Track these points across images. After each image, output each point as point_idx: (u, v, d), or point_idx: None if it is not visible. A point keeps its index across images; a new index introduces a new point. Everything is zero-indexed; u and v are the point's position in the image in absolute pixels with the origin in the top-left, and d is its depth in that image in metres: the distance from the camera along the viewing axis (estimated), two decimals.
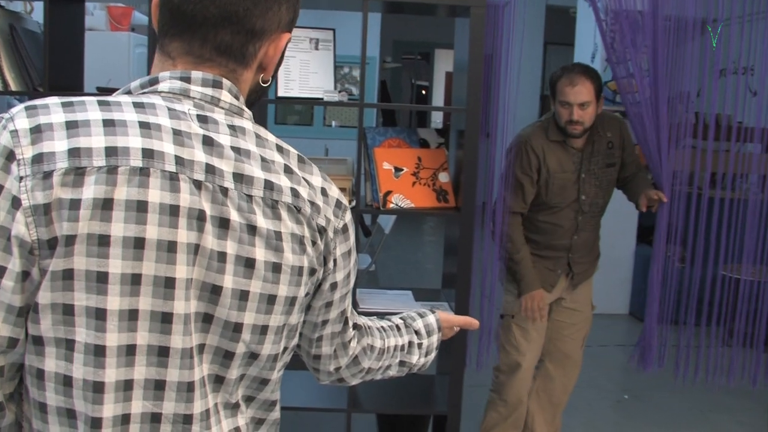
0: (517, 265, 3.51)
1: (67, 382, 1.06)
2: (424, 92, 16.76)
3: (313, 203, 1.21)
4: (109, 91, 3.53)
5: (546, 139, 3.47)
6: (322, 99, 3.14)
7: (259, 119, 1.28)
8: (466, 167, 3.08)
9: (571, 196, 3.48)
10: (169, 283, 1.08)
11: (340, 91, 3.19)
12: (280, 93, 3.08)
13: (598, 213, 3.60)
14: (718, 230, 3.73)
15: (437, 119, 15.64)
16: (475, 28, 3.02)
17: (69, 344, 1.05)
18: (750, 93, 3.92)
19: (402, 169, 3.18)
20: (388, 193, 3.13)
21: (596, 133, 3.48)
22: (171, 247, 1.07)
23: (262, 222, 1.14)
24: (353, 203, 3.05)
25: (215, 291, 1.12)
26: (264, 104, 3.25)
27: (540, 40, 9.90)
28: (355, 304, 2.94)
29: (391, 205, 3.13)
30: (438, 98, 16.67)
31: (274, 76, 1.29)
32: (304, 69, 3.13)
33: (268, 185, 1.16)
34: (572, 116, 3.35)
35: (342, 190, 1.16)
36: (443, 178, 3.24)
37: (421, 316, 1.68)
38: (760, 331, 3.86)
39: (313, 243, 1.22)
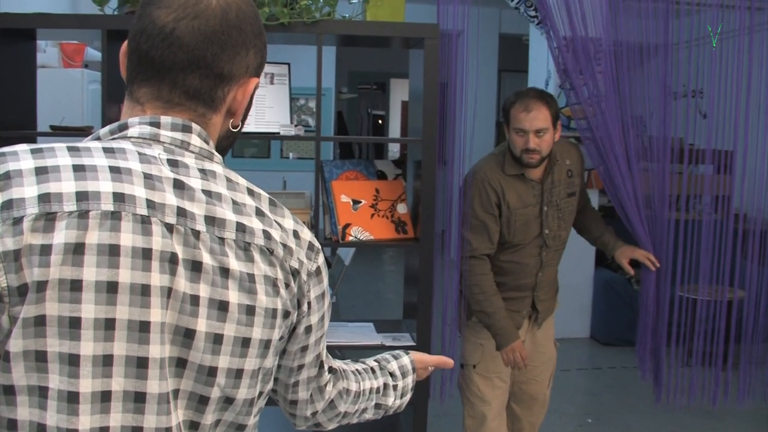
0: (491, 318, 3.18)
1: (41, 430, 1.03)
2: (380, 121, 16.84)
3: (285, 245, 1.21)
4: (63, 129, 3.47)
5: (502, 173, 3.19)
6: (278, 133, 3.14)
7: None
8: (423, 198, 3.10)
9: (534, 232, 3.23)
10: (144, 327, 1.06)
11: (296, 124, 3.19)
12: None
13: (562, 246, 3.37)
14: (674, 251, 3.77)
15: (394, 149, 15.73)
16: (429, 59, 3.05)
17: (42, 391, 1.03)
18: (700, 115, 4.00)
19: (360, 202, 3.19)
20: (347, 225, 3.13)
21: (555, 162, 3.23)
22: (145, 290, 1.06)
23: (235, 264, 1.14)
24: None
25: (188, 335, 1.10)
26: None
27: (494, 68, 10.02)
28: None
29: (350, 238, 3.13)
30: (395, 127, 16.73)
31: (244, 121, 1.29)
32: (260, 103, 3.13)
33: (240, 228, 1.15)
34: (528, 144, 3.06)
35: None
36: (401, 209, 3.25)
37: (396, 357, 1.68)
38: (718, 350, 3.90)
39: (287, 285, 1.21)
